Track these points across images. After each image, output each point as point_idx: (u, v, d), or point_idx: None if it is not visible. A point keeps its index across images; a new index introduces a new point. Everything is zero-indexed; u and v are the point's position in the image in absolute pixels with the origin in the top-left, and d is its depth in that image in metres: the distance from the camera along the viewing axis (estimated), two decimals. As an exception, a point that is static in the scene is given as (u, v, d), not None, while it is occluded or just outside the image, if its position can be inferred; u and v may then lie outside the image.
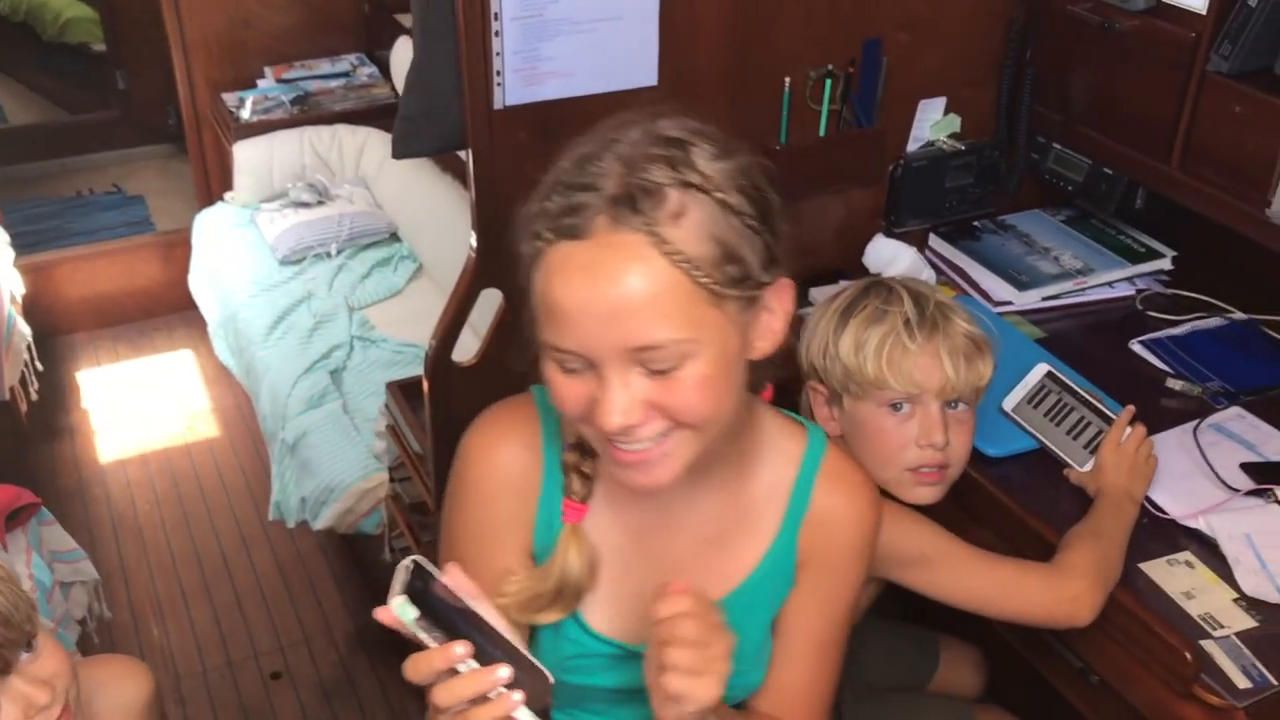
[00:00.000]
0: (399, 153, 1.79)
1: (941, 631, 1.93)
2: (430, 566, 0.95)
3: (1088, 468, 1.57)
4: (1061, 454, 1.61)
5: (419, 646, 0.95)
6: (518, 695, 0.93)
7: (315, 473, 2.67)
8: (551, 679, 0.96)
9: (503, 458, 1.17)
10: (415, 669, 0.94)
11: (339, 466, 2.65)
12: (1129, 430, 1.58)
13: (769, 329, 1.08)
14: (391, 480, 2.36)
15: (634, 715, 1.22)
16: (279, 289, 3.42)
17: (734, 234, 1.01)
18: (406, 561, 0.94)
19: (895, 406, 1.47)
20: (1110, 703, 1.46)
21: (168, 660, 2.74)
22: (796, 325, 1.39)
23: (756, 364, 1.11)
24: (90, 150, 4.85)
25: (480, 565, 1.15)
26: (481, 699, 0.94)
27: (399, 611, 0.93)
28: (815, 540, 1.22)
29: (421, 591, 0.94)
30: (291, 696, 2.65)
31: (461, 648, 0.92)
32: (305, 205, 3.69)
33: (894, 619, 1.94)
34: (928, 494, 1.50)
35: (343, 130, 3.88)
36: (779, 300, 1.08)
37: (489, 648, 0.94)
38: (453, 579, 0.96)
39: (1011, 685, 1.98)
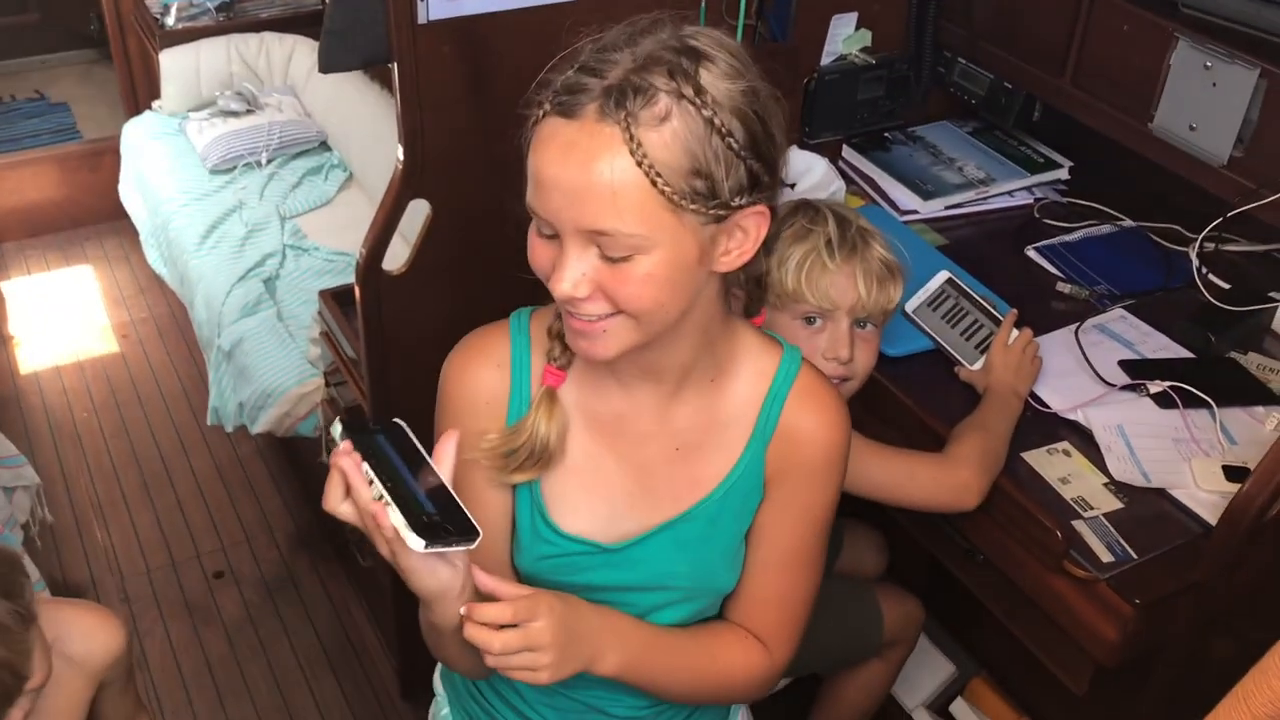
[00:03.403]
0: (325, 66, 1.83)
1: (846, 517, 2.06)
2: (408, 431, 1.10)
3: (977, 366, 1.70)
4: (955, 353, 1.73)
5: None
6: (394, 516, 1.02)
7: (252, 378, 2.74)
8: (479, 533, 1.05)
9: (473, 377, 1.24)
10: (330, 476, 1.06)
11: (275, 372, 2.72)
12: (1016, 332, 1.70)
13: (736, 248, 1.11)
14: (327, 385, 2.44)
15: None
16: (210, 198, 3.44)
17: (712, 153, 1.04)
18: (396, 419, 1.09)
19: (809, 320, 1.57)
20: (993, 579, 1.60)
21: (111, 560, 2.82)
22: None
23: (752, 291, 1.19)
24: (9, 55, 4.76)
25: (466, 486, 1.22)
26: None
27: (332, 429, 1.06)
28: (783, 455, 1.25)
29: (374, 434, 1.08)
30: (235, 594, 2.75)
31: (348, 459, 1.04)
32: (234, 114, 3.68)
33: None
34: None
35: (270, 38, 3.86)
36: (754, 224, 1.11)
37: (419, 489, 1.05)
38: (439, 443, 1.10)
39: (908, 566, 2.13)
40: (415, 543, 1.01)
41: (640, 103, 1.01)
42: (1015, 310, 1.71)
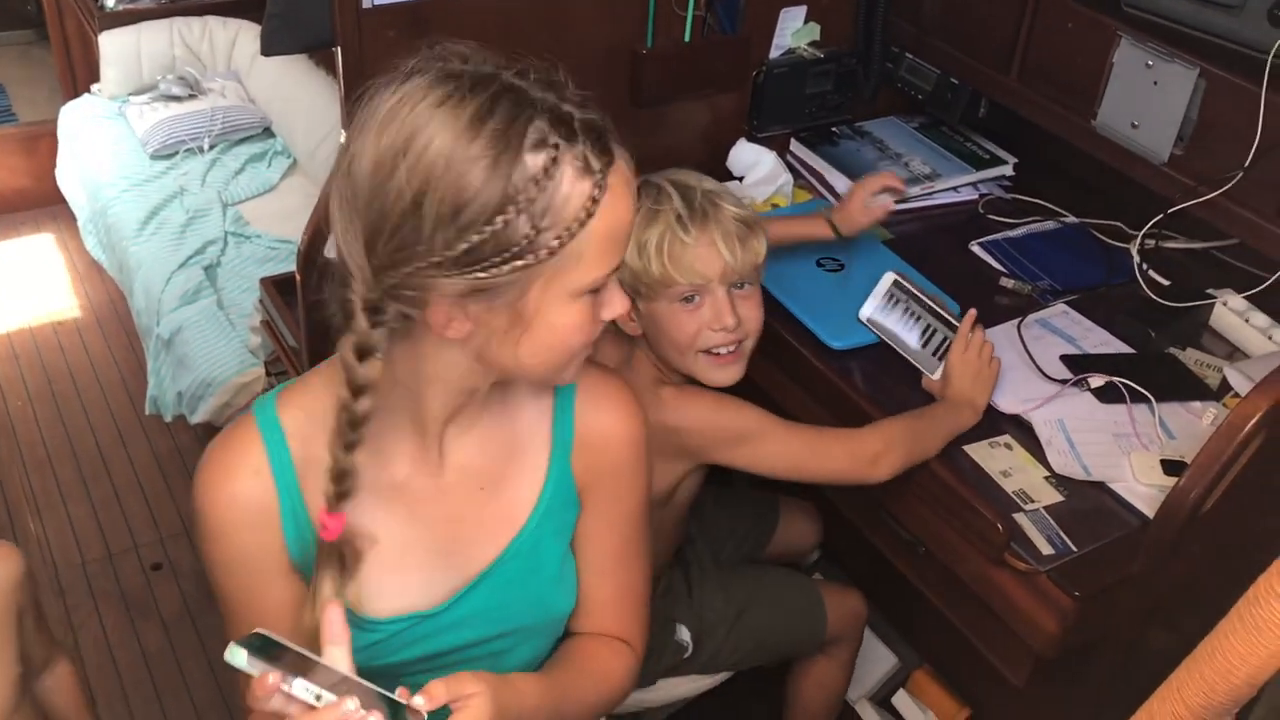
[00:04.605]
0: (267, 50, 1.80)
1: (780, 494, 2.09)
2: (275, 636, 1.00)
3: (937, 375, 1.67)
4: (914, 362, 1.70)
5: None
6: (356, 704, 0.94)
7: (191, 368, 2.69)
8: (422, 710, 0.97)
9: (231, 493, 1.11)
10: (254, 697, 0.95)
11: (215, 361, 2.68)
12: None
13: None
14: (268, 374, 2.41)
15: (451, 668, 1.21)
16: (150, 184, 3.38)
17: None
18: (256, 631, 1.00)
19: (686, 299, 1.54)
20: (935, 571, 1.61)
21: (45, 553, 2.77)
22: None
23: None
24: (-59, 36, 4.66)
25: (249, 601, 1.15)
26: None
27: (229, 657, 0.96)
28: (589, 463, 1.22)
29: (261, 648, 0.98)
30: (173, 587, 2.71)
31: (272, 676, 0.94)
32: (176, 99, 3.62)
33: (737, 485, 2.09)
34: (728, 375, 1.58)
35: (214, 22, 3.80)
36: None
37: (341, 687, 0.97)
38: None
39: (850, 557, 2.15)
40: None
41: (593, 104, 1.02)
42: (973, 312, 1.68)
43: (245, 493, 1.11)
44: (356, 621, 1.14)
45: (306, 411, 1.12)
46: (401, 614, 1.17)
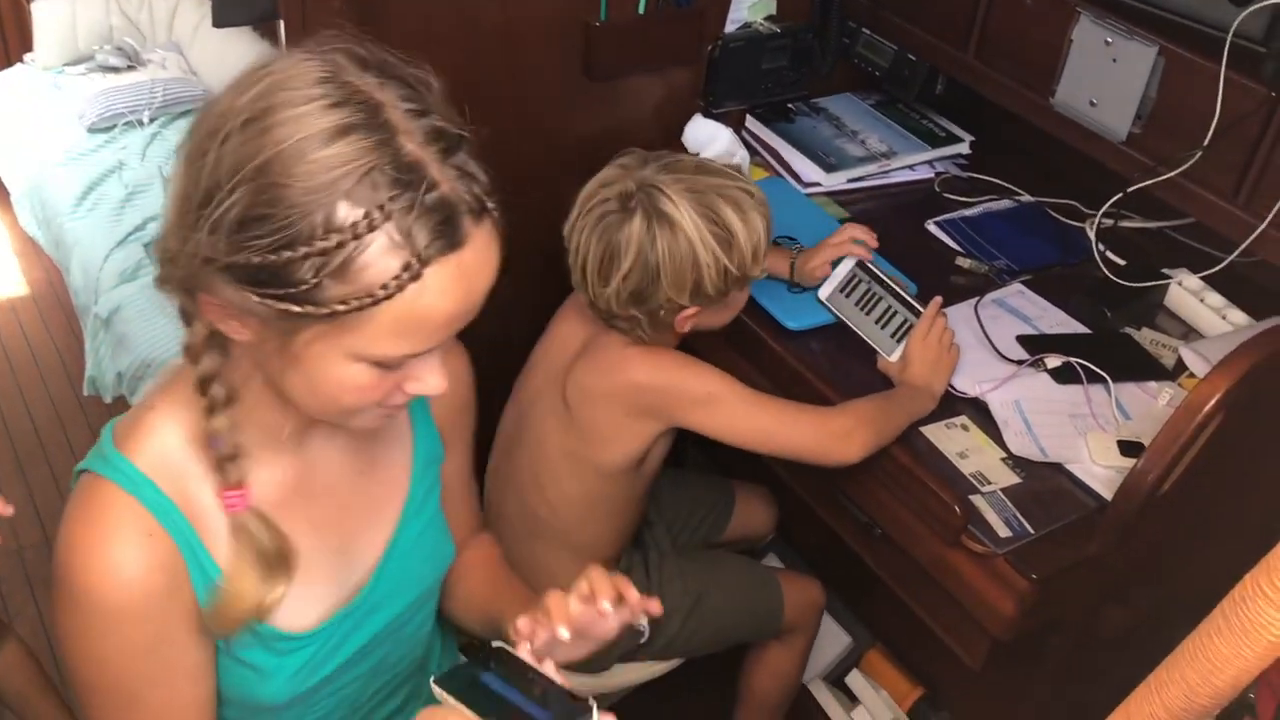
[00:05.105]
0: (219, 21, 1.76)
1: (735, 480, 2.08)
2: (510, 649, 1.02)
3: (894, 357, 1.65)
4: (871, 343, 1.69)
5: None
6: None
7: (131, 347, 2.62)
8: (590, 701, 0.95)
9: (132, 565, 0.99)
10: None
11: (156, 341, 2.61)
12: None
13: None
14: (211, 354, 2.35)
15: (374, 660, 1.23)
16: (88, 158, 3.29)
17: None
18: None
19: None
20: (891, 553, 1.59)
21: (-20, 538, 2.69)
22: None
23: None
24: None
25: (155, 684, 1.05)
26: None
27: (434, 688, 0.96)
28: (445, 406, 1.25)
29: (475, 677, 0.98)
30: (113, 571, 2.64)
31: None
32: (114, 70, 3.53)
33: (692, 469, 2.07)
34: None
35: (153, -9, 3.71)
36: None
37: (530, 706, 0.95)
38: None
39: (805, 539, 2.14)
40: None
41: (481, 184, 0.92)
42: (939, 298, 1.66)
43: (147, 561, 0.99)
44: (283, 646, 1.11)
45: (158, 452, 1.03)
46: (326, 618, 1.14)
